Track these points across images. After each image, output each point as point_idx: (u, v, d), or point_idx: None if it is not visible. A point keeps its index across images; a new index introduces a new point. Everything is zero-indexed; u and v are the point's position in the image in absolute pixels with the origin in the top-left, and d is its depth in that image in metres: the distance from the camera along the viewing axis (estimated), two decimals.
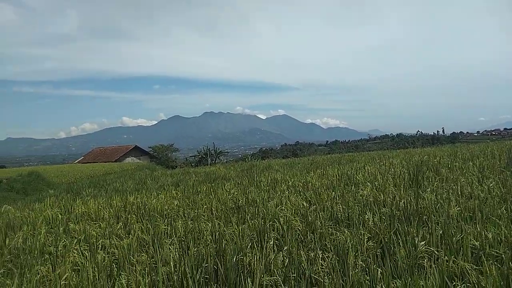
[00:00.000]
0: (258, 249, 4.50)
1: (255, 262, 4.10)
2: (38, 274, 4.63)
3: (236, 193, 9.25)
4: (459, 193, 6.87)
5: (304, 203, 7.15)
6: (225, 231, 5.38)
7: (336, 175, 11.12)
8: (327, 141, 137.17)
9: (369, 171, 11.27)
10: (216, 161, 57.38)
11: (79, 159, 68.79)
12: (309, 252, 4.70)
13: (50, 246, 5.81)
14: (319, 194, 8.07)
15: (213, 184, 12.12)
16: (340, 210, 6.41)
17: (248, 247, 4.70)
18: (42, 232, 6.55)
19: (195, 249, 4.76)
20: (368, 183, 8.91)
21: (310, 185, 9.73)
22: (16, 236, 6.31)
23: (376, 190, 7.94)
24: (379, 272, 3.93)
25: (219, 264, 4.00)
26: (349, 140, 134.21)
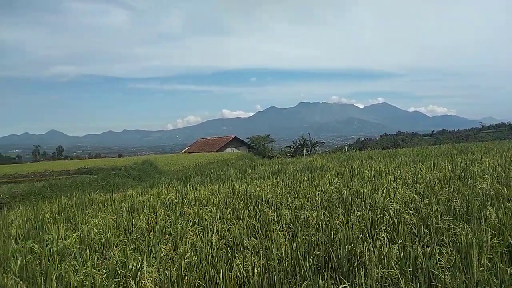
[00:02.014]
0: (370, 241, 4.39)
1: (368, 254, 4.00)
2: (162, 252, 5.12)
3: (338, 184, 9.12)
4: None
5: (415, 196, 6.77)
6: (334, 221, 5.34)
7: (447, 167, 10.30)
8: (433, 131, 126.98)
9: (488, 163, 10.22)
10: (312, 152, 57.08)
11: (185, 149, 74.06)
12: (425, 246, 4.45)
13: (169, 228, 6.36)
14: (431, 187, 7.57)
15: (313, 175, 12.10)
16: (457, 204, 5.93)
17: (359, 238, 4.61)
18: (162, 215, 7.21)
19: (304, 237, 4.81)
20: (487, 176, 8.10)
21: (419, 177, 9.17)
22: (141, 217, 7.02)
23: (498, 184, 7.19)
24: (508, 272, 3.57)
25: (331, 253, 3.99)
26: (458, 130, 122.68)
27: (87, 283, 3.99)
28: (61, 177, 28.16)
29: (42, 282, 4.07)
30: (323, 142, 69.89)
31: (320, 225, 5.41)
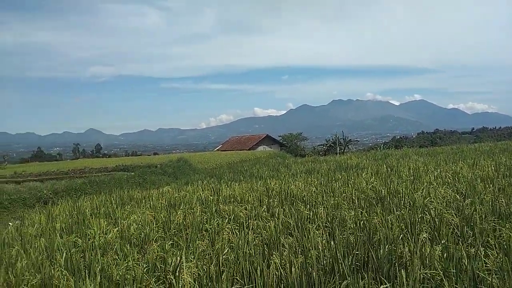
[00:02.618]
0: (411, 241, 4.27)
1: (410, 254, 3.89)
2: (199, 248, 5.19)
3: (375, 183, 8.93)
4: None
5: (457, 196, 6.52)
6: (372, 220, 5.23)
7: (490, 166, 9.87)
8: (473, 129, 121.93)
9: None
10: (345, 150, 56.22)
11: (218, 147, 74.88)
12: (468, 248, 4.28)
13: (205, 224, 6.44)
14: (473, 186, 7.27)
15: (348, 173, 11.92)
16: (503, 204, 5.67)
17: (399, 238, 4.49)
18: (198, 211, 7.31)
19: (342, 236, 4.74)
20: None
21: (460, 176, 8.84)
22: (178, 213, 7.16)
23: None
24: None
25: (371, 253, 3.91)
26: (499, 127, 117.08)
27: (129, 276, 4.11)
28: (100, 174, 29.18)
29: (87, 275, 4.22)
30: (357, 140, 68.73)
31: (358, 224, 5.32)
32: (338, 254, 3.91)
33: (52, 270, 4.57)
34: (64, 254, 5.02)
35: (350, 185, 8.97)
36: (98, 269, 4.29)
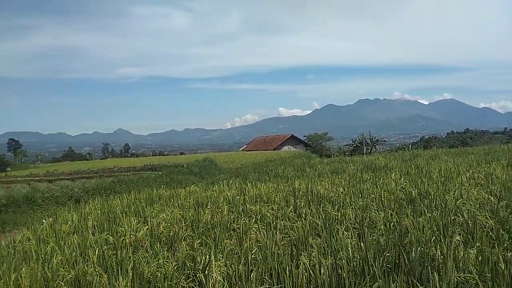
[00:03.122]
0: (444, 244, 4.16)
1: (442, 257, 3.80)
2: (227, 247, 5.23)
3: (405, 184, 8.75)
4: None
5: (491, 197, 6.31)
6: (403, 222, 5.14)
7: None
8: (505, 128, 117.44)
9: None
10: (372, 151, 55.33)
11: (243, 147, 75.20)
12: (505, 251, 4.14)
13: (232, 223, 6.49)
14: (508, 188, 7.02)
15: (376, 174, 11.73)
16: None
17: (431, 240, 4.39)
18: (225, 211, 7.37)
19: (372, 237, 4.68)
20: None
21: (493, 177, 8.54)
22: (206, 212, 7.23)
23: None
24: None
25: (402, 255, 3.84)
26: None
27: (159, 274, 4.19)
28: (128, 173, 29.88)
29: (119, 272, 4.33)
30: (384, 141, 67.49)
31: (388, 226, 5.23)
32: (368, 256, 3.86)
33: (86, 267, 4.72)
34: (97, 251, 5.17)
35: (378, 186, 8.83)
36: (130, 266, 4.40)
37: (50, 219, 9.33)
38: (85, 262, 4.94)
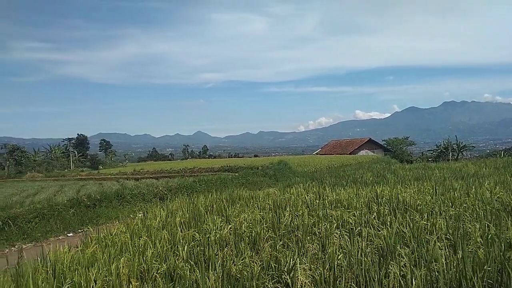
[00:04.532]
0: None
1: None
2: (310, 251, 5.20)
3: (501, 193, 8.01)
4: None
5: None
6: (504, 235, 4.70)
7: None
8: None
9: None
10: (459, 157, 51.46)
11: (317, 150, 74.35)
12: None
13: (313, 227, 6.44)
14: None
15: (466, 182, 10.87)
16: None
17: None
18: (305, 214, 7.34)
19: (468, 250, 4.35)
20: None
21: None
22: (286, 215, 7.27)
23: None
24: None
25: (506, 270, 3.52)
26: None
27: (245, 273, 4.30)
28: (207, 173, 31.13)
29: (209, 267, 4.53)
30: (472, 146, 62.43)
31: (486, 238, 4.82)
32: (466, 269, 3.59)
33: (176, 261, 5.00)
34: (186, 247, 5.46)
35: (471, 195, 8.19)
36: (218, 263, 4.57)
37: (140, 214, 10.07)
38: (175, 257, 5.24)
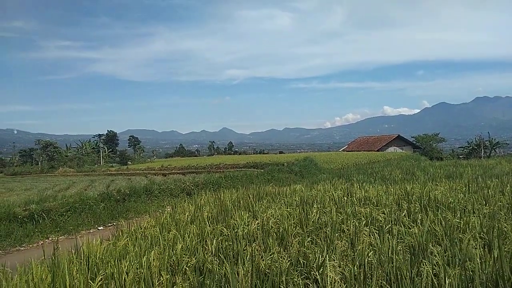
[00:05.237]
0: None
1: None
2: (339, 247, 5.16)
3: None
4: None
5: None
6: None
7: None
8: None
9: None
10: (491, 154, 49.73)
11: (344, 147, 73.48)
12: None
13: (342, 224, 6.38)
14: None
15: (501, 180, 10.49)
16: None
17: None
18: (333, 211, 7.27)
19: (505, 249, 4.20)
20: None
21: None
22: (314, 212, 7.23)
23: None
24: None
25: None
26: None
27: (274, 268, 4.30)
28: (233, 169, 31.32)
29: (239, 262, 4.56)
30: (506, 143, 60.11)
31: None
32: (503, 269, 3.47)
33: (205, 255, 5.07)
34: (214, 241, 5.52)
35: (505, 193, 7.90)
36: (247, 257, 4.60)
37: (169, 209, 10.26)
38: (204, 251, 5.31)
